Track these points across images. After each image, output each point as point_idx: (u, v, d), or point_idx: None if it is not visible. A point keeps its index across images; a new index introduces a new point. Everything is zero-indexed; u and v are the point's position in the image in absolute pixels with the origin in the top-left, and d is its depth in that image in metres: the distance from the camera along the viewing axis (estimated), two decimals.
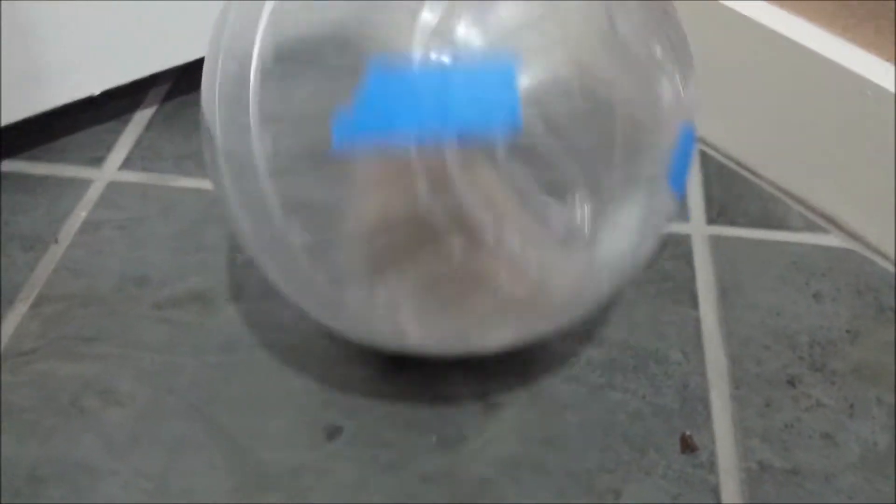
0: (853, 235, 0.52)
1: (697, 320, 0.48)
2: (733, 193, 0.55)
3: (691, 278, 0.50)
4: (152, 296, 0.49)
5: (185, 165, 0.56)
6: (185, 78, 0.62)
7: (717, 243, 0.52)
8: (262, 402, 0.44)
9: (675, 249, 0.52)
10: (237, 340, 0.46)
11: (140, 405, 0.43)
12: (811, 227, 0.53)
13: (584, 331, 0.47)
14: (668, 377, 0.45)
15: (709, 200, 0.55)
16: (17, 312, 0.47)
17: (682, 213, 0.54)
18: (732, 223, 0.54)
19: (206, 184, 0.55)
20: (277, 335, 0.47)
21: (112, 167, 0.56)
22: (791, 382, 0.45)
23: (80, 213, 0.53)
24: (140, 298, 0.48)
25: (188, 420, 0.43)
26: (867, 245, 0.52)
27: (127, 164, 0.56)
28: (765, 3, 0.53)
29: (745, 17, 0.52)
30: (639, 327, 0.47)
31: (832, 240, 0.52)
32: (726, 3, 0.53)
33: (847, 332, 0.47)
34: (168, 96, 0.62)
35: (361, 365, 0.45)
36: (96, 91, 0.56)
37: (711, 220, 0.54)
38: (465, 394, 0.44)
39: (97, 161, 0.57)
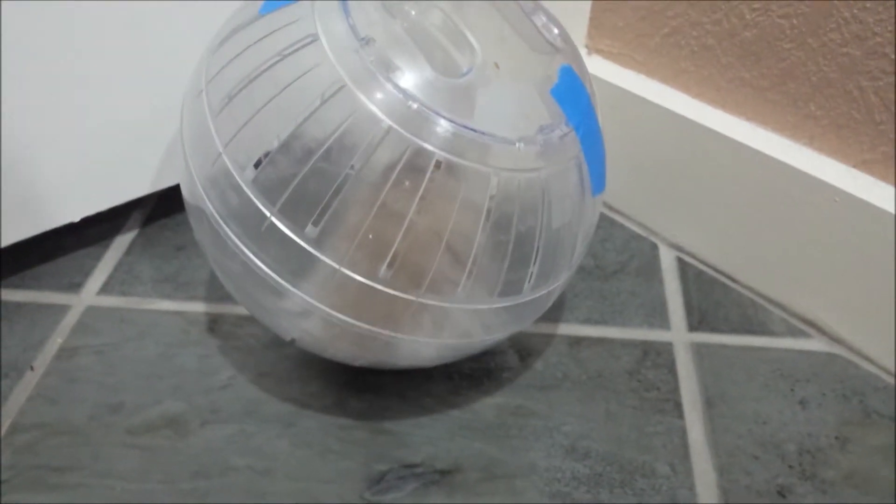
0: (835, 339, 0.52)
1: (683, 430, 0.47)
2: (713, 300, 0.55)
3: (675, 387, 0.49)
4: (126, 421, 0.47)
5: (163, 288, 0.56)
6: (166, 201, 0.63)
7: (699, 351, 0.52)
8: None
9: (657, 358, 0.51)
10: (210, 466, 0.45)
11: None
12: (793, 332, 0.53)
13: (569, 443, 0.46)
14: (656, 492, 0.44)
15: (689, 308, 0.55)
16: None
17: (663, 321, 0.54)
18: (714, 330, 0.53)
19: (183, 305, 0.55)
20: (251, 459, 0.45)
21: (90, 292, 0.56)
22: (781, 493, 0.43)
23: (57, 340, 0.53)
24: (113, 425, 0.47)
25: None
26: (850, 348, 0.51)
27: (105, 288, 0.56)
28: (734, 118, 0.54)
29: (715, 132, 0.54)
30: (624, 439, 0.46)
31: (815, 344, 0.52)
32: (696, 119, 0.55)
33: (836, 438, 0.46)
34: (149, 220, 0.62)
35: (341, 490, 0.44)
36: (76, 218, 0.56)
37: (693, 328, 0.53)
38: None
39: (76, 286, 0.56)
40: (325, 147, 0.38)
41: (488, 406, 0.48)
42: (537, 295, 0.43)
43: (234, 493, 0.44)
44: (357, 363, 0.46)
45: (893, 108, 0.47)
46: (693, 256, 0.58)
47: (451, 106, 0.39)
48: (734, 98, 0.54)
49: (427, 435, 0.47)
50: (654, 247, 0.60)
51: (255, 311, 0.47)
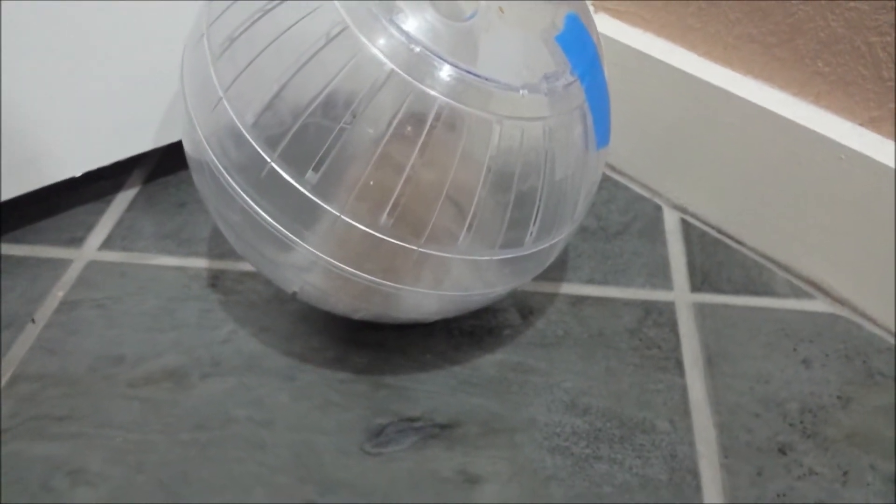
0: (839, 300, 0.52)
1: (684, 388, 0.47)
2: (716, 261, 0.55)
3: (676, 346, 0.49)
4: (126, 374, 0.47)
5: (164, 244, 0.56)
6: (169, 158, 0.63)
7: (701, 311, 0.51)
8: (235, 482, 0.42)
9: (658, 317, 0.51)
10: (210, 417, 0.45)
11: (110, 485, 0.42)
12: (796, 293, 0.53)
13: (569, 399, 0.46)
14: (656, 447, 0.44)
15: (692, 268, 0.54)
16: None
17: (666, 282, 0.53)
18: (717, 290, 0.53)
19: (185, 261, 0.55)
20: (252, 411, 0.45)
21: (92, 247, 0.56)
22: (782, 451, 0.43)
23: (58, 293, 0.52)
24: (114, 377, 0.47)
25: (158, 500, 0.41)
26: (853, 309, 0.51)
27: (107, 243, 0.56)
28: (740, 75, 0.54)
29: (722, 90, 0.53)
30: (624, 396, 0.46)
31: (818, 305, 0.52)
32: (702, 77, 0.54)
33: (838, 398, 0.46)
34: (151, 177, 0.62)
35: (341, 442, 0.44)
36: (77, 173, 0.56)
37: (695, 288, 0.53)
38: (448, 468, 0.42)
39: (77, 241, 0.56)
40: (326, 91, 0.38)
41: (489, 362, 0.48)
42: (539, 248, 0.43)
43: (234, 444, 0.44)
44: (358, 316, 0.46)
45: None
46: (697, 217, 0.58)
47: (454, 51, 0.38)
48: (741, 55, 0.53)
49: (427, 389, 0.47)
50: (658, 208, 0.59)
51: (257, 264, 0.46)
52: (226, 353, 0.49)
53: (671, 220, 0.58)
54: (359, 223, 0.39)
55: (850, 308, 0.51)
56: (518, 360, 0.48)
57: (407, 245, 0.40)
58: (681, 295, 0.53)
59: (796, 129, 0.51)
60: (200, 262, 0.55)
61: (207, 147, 0.41)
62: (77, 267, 0.54)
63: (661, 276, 0.54)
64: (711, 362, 0.48)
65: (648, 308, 0.52)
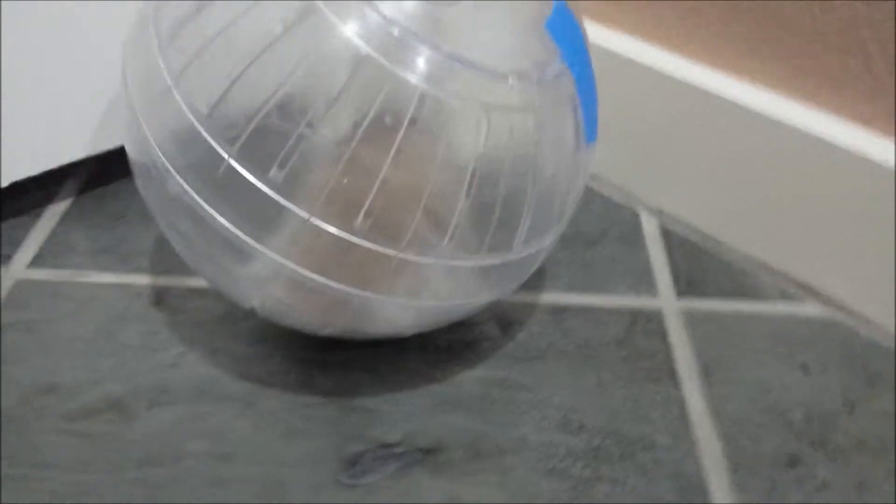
0: (831, 302, 0.49)
1: (682, 401, 0.43)
2: (700, 265, 0.52)
3: (668, 356, 0.46)
4: (62, 406, 0.42)
5: (102, 260, 0.51)
6: (105, 167, 0.57)
7: (690, 317, 0.48)
8: None
9: (646, 325, 0.48)
10: (160, 453, 0.40)
11: None
12: (785, 296, 0.50)
13: (561, 416, 0.42)
14: (659, 465, 0.40)
15: (675, 274, 0.51)
16: None
17: (650, 288, 0.50)
18: (704, 295, 0.50)
19: (125, 278, 0.49)
20: (208, 443, 0.40)
21: (20, 264, 0.50)
22: (792, 462, 0.40)
23: None
24: (48, 409, 0.42)
25: None
26: (848, 312, 0.48)
27: (37, 260, 0.50)
28: (720, 74, 0.51)
29: (701, 89, 0.51)
30: (619, 411, 0.43)
31: (810, 308, 0.49)
32: (680, 77, 0.51)
33: (843, 404, 0.43)
34: (85, 188, 0.56)
35: (312, 475, 0.39)
36: (3, 184, 0.50)
37: (681, 293, 0.50)
38: (435, 497, 0.38)
39: (3, 259, 0.50)
40: (290, 80, 0.34)
41: (470, 379, 0.44)
42: (527, 252, 0.39)
43: (190, 482, 0.39)
44: (325, 332, 0.41)
45: (893, 59, 0.44)
46: (677, 221, 0.55)
47: (434, 35, 0.35)
48: (721, 53, 0.51)
49: (405, 411, 0.42)
50: (636, 212, 0.56)
51: (211, 277, 0.42)
52: (175, 378, 0.44)
53: (650, 225, 0.55)
54: (330, 226, 0.35)
55: (845, 311, 0.49)
56: (502, 376, 0.44)
57: (385, 250, 0.36)
58: (667, 302, 0.49)
59: (782, 127, 0.48)
60: (143, 279, 0.50)
61: (155, 146, 0.37)
62: (3, 287, 0.48)
63: (644, 282, 0.51)
64: (707, 372, 0.45)
65: (635, 316, 0.48)
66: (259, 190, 0.35)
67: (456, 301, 0.40)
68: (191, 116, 0.35)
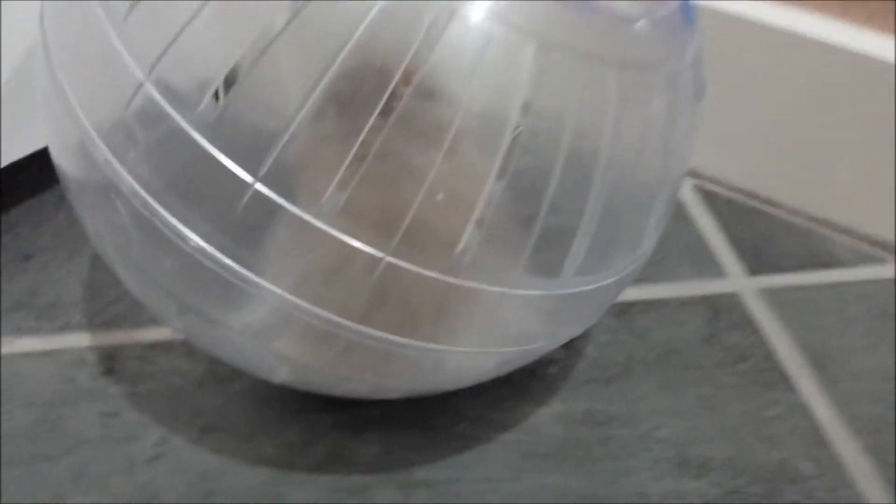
0: None
1: (804, 407, 0.36)
2: (758, 232, 0.44)
3: (768, 352, 0.38)
4: None
5: (16, 319, 0.37)
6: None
7: (772, 298, 0.41)
8: None
9: (729, 317, 0.39)
10: None
11: None
12: (864, 259, 0.43)
13: (675, 454, 0.33)
14: (812, 499, 0.32)
15: (737, 245, 0.43)
16: None
17: (713, 267, 0.42)
18: (777, 269, 0.42)
19: (55, 341, 0.36)
20: None
21: None
22: None
23: None
24: None
25: None
26: None
27: None
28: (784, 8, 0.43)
29: (727, 14, 0.42)
30: (741, 435, 0.34)
31: (892, 270, 0.42)
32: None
33: None
34: None
35: None
36: None
37: (753, 270, 0.42)
38: None
39: None
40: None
41: (547, 418, 0.35)
42: (627, 271, 0.30)
43: None
44: (378, 397, 0.31)
45: None
46: (717, 182, 0.47)
47: None
48: None
49: (481, 477, 0.32)
50: None
51: (200, 337, 0.30)
52: (160, 477, 0.32)
53: (686, 190, 0.47)
54: (359, 243, 0.25)
55: None
56: (585, 408, 0.35)
57: (431, 274, 0.25)
58: (741, 282, 0.41)
59: (842, 54, 0.41)
60: (79, 339, 0.37)
61: (112, 158, 0.25)
62: None
63: (705, 261, 0.42)
64: (817, 365, 0.37)
65: (712, 306, 0.40)
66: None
67: (535, 341, 0.30)
68: (172, 112, 0.23)
